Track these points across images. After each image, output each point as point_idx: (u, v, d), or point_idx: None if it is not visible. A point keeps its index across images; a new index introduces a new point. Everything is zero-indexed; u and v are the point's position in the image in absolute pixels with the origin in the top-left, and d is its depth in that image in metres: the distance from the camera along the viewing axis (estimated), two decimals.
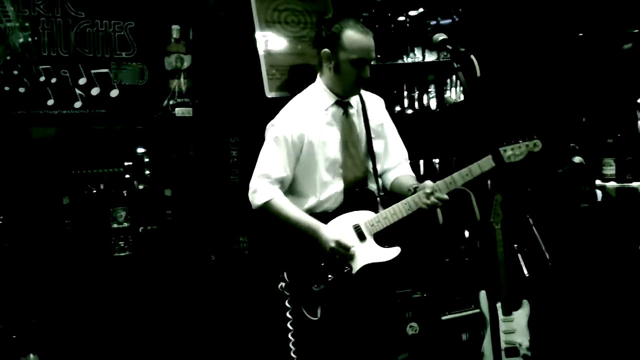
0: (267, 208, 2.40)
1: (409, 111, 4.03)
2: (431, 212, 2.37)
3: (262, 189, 2.41)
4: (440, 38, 1.99)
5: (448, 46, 1.92)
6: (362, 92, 2.59)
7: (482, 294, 3.35)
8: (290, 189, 2.50)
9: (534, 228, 1.54)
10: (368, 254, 2.39)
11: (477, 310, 3.41)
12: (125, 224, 3.38)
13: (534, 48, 4.44)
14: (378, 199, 2.51)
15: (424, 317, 3.49)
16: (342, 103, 2.51)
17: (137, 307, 3.30)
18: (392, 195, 2.55)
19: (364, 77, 2.41)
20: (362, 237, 2.40)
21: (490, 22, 4.23)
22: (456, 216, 3.56)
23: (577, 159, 4.22)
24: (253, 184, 2.44)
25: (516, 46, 4.34)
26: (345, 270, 2.35)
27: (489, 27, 4.21)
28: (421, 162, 4.03)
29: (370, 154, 2.53)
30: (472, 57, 1.77)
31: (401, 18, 4.02)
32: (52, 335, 3.13)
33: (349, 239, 2.37)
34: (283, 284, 2.38)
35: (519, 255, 2.86)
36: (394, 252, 2.41)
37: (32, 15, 3.24)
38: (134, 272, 3.35)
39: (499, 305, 3.25)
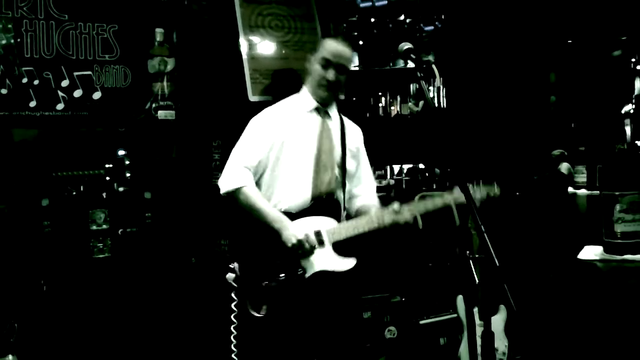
0: (235, 195, 2.42)
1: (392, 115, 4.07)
2: (388, 231, 2.41)
3: (233, 176, 2.44)
4: (405, 47, 2.00)
5: (412, 55, 1.94)
6: (344, 118, 2.68)
7: (460, 298, 3.36)
8: (259, 182, 2.52)
9: (485, 235, 1.56)
10: (324, 260, 2.40)
11: (455, 315, 3.43)
12: (105, 226, 3.39)
13: (520, 53, 4.47)
14: (342, 209, 2.55)
15: (402, 321, 3.51)
16: (322, 111, 2.56)
17: (116, 309, 3.31)
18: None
19: (328, 79, 2.48)
20: (321, 243, 2.41)
21: (475, 27, 4.26)
22: (436, 221, 3.58)
23: (565, 167, 4.24)
24: (225, 170, 2.47)
25: (502, 52, 4.37)
26: (299, 272, 2.36)
27: (474, 33, 4.24)
28: (405, 167, 4.08)
29: (342, 168, 2.56)
30: (434, 66, 1.79)
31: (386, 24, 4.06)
32: (31, 336, 3.13)
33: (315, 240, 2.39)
34: (232, 275, 2.39)
35: (470, 262, 2.89)
36: (349, 263, 2.43)
37: (15, 17, 3.25)
38: (113, 274, 3.36)
39: (475, 310, 3.27)
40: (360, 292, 3.46)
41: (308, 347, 2.47)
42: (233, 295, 2.40)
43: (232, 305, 2.40)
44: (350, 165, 2.60)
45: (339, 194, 2.56)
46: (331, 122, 2.59)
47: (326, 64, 2.48)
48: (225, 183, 2.45)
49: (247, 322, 2.37)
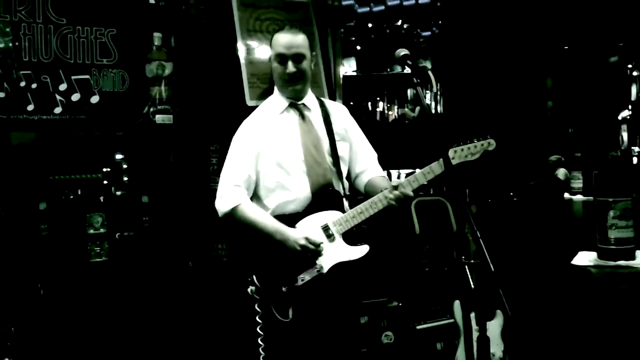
0: (233, 214, 2.43)
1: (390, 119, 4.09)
2: (397, 210, 2.39)
3: (227, 196, 2.44)
4: (402, 53, 2.02)
5: (408, 61, 1.95)
6: (326, 101, 2.66)
7: (456, 303, 3.37)
8: (257, 192, 2.52)
9: (480, 240, 1.57)
10: (338, 252, 2.41)
11: (452, 320, 3.43)
12: (102, 230, 3.38)
13: (517, 59, 4.49)
14: (344, 199, 2.53)
15: (399, 326, 3.52)
16: (297, 105, 2.55)
17: (113, 313, 3.30)
18: (367, 197, 2.55)
19: (288, 73, 2.47)
20: (330, 236, 2.41)
21: (472, 33, 4.27)
22: (433, 226, 3.60)
23: (562, 173, 4.25)
24: (218, 192, 2.48)
25: (499, 57, 4.39)
26: (316, 270, 2.37)
27: (471, 39, 4.26)
28: (402, 172, 4.08)
29: (334, 156, 2.54)
30: (430, 72, 1.80)
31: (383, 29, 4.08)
32: (28, 340, 3.13)
33: (318, 237, 2.39)
34: (253, 287, 2.38)
35: (466, 267, 2.90)
36: (363, 250, 2.43)
37: (13, 21, 3.25)
38: (110, 278, 3.35)
39: (472, 315, 3.27)
40: (371, 281, 3.47)
41: (335, 340, 2.47)
42: (256, 307, 2.38)
43: (257, 318, 2.38)
44: (342, 150, 2.58)
45: (337, 184, 2.54)
46: (311, 114, 2.57)
47: (282, 59, 2.47)
48: (221, 205, 2.46)
49: (274, 330, 2.37)
